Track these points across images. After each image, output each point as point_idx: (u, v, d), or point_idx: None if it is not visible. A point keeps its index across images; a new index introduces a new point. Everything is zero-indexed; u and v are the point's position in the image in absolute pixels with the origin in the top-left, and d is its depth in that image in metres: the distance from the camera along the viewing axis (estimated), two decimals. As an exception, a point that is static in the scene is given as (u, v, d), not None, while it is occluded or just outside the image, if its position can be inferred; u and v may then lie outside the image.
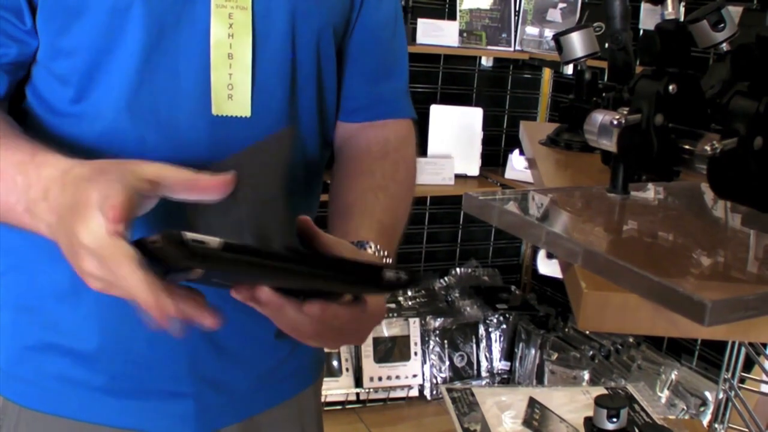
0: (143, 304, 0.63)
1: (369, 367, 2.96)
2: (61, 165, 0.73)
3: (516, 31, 3.28)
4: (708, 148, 0.60)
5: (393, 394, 3.02)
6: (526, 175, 3.00)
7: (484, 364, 3.16)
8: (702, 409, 2.65)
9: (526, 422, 1.31)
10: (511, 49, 3.28)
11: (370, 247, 0.90)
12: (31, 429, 0.95)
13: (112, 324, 0.92)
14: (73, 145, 0.88)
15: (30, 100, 0.91)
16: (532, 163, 1.15)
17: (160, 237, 0.62)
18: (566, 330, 3.18)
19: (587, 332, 3.10)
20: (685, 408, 2.68)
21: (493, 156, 3.45)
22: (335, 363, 2.93)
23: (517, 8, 3.29)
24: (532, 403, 1.37)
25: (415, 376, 3.03)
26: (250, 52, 0.88)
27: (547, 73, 3.50)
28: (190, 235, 0.61)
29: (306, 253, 0.71)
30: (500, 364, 3.18)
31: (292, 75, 0.93)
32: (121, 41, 0.84)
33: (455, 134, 3.20)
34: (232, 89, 0.88)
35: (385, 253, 0.92)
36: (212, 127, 0.88)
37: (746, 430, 1.35)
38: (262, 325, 0.96)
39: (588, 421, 1.20)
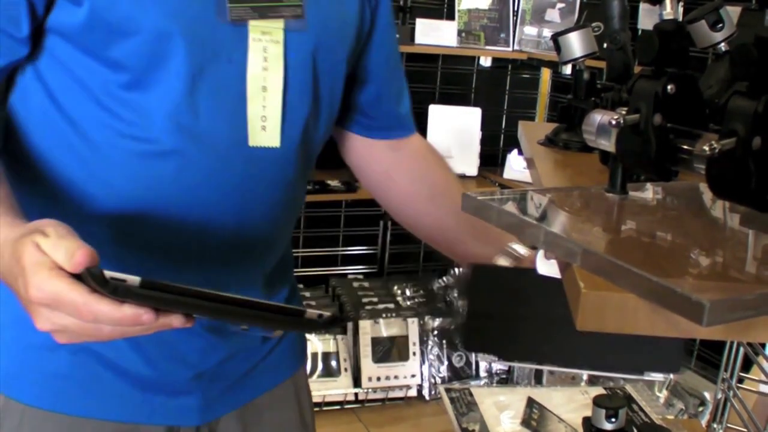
0: (117, 321, 0.67)
1: (367, 367, 2.96)
2: (0, 235, 0.75)
3: (514, 31, 3.28)
4: (706, 148, 0.60)
5: (391, 394, 3.02)
6: (525, 175, 3.00)
7: (482, 364, 3.16)
8: (700, 409, 2.65)
9: (525, 422, 1.31)
10: (510, 49, 3.28)
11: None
12: (34, 426, 0.95)
13: None
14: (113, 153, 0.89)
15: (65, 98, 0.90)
16: (530, 163, 1.15)
17: (86, 273, 0.67)
18: (565, 330, 3.17)
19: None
20: (683, 408, 2.68)
21: (492, 156, 3.45)
22: (334, 363, 2.93)
23: (516, 8, 3.29)
24: (531, 403, 1.37)
25: (413, 376, 3.03)
26: (281, 84, 0.91)
27: (545, 73, 3.50)
28: (109, 273, 0.67)
29: (229, 298, 0.73)
30: (498, 364, 3.18)
31: (312, 105, 0.96)
32: (165, 65, 0.85)
33: (454, 134, 3.20)
34: (265, 121, 0.91)
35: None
36: (247, 157, 0.91)
37: (744, 430, 1.35)
38: None
39: (586, 421, 1.20)
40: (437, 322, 3.11)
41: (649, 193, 0.83)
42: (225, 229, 0.93)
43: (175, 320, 0.69)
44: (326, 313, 0.75)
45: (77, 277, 0.68)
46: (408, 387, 3.03)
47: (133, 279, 0.67)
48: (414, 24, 3.06)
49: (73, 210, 0.90)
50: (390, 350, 3.01)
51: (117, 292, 0.66)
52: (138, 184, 0.89)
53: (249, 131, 0.90)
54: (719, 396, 1.50)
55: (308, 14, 0.91)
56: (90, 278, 0.67)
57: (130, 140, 0.88)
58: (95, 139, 0.88)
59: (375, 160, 1.15)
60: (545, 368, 2.99)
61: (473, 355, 3.15)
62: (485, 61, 3.43)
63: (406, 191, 1.15)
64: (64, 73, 0.88)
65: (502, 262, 1.04)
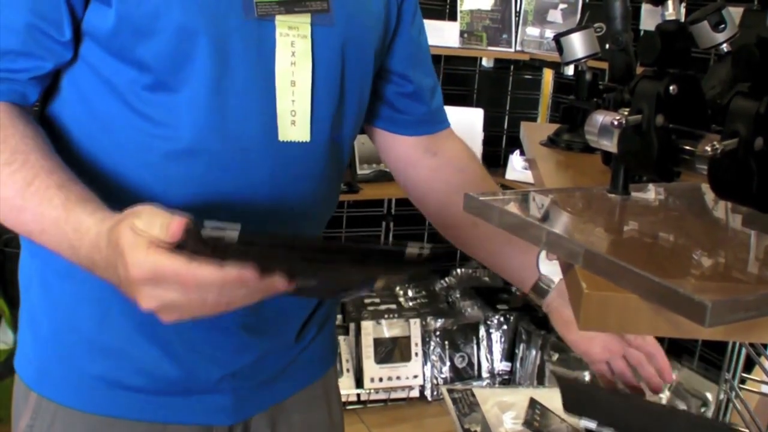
0: (221, 282, 0.66)
1: (370, 368, 2.96)
2: (93, 229, 0.75)
3: (516, 32, 3.28)
4: (708, 148, 0.60)
5: (394, 395, 3.02)
6: (527, 176, 3.00)
7: (484, 364, 3.16)
8: (703, 409, 2.64)
9: (527, 423, 1.31)
10: (512, 49, 3.28)
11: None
12: (67, 426, 0.96)
13: (161, 331, 0.92)
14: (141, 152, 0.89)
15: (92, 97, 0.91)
16: (532, 164, 1.15)
17: (184, 232, 0.67)
18: (567, 331, 3.17)
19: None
20: (686, 408, 2.68)
21: (494, 157, 3.45)
22: (337, 361, 2.93)
23: (518, 9, 3.29)
24: (533, 403, 1.37)
25: (416, 376, 3.03)
26: (310, 79, 0.91)
27: (547, 74, 3.50)
28: (207, 232, 0.66)
29: (326, 244, 0.78)
30: (501, 365, 3.18)
31: (340, 99, 0.96)
32: (189, 64, 0.85)
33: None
34: (294, 115, 0.91)
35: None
36: (277, 152, 0.91)
37: (747, 430, 1.35)
38: (288, 320, 1.03)
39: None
40: (439, 322, 3.11)
41: (651, 193, 0.83)
42: (255, 224, 0.93)
43: (279, 282, 0.68)
44: (426, 248, 0.72)
45: (177, 249, 0.67)
46: (410, 388, 3.03)
47: (232, 233, 0.65)
48: (416, 25, 3.06)
49: None
50: (392, 351, 3.01)
51: (217, 248, 0.65)
52: (168, 184, 0.89)
53: (279, 126, 0.90)
54: (721, 397, 1.50)
55: (334, 9, 0.91)
56: (189, 237, 0.66)
57: (158, 140, 0.88)
58: (125, 141, 0.89)
59: (412, 164, 1.15)
60: (547, 369, 2.99)
61: (475, 355, 3.15)
62: (487, 62, 3.43)
63: (443, 202, 1.15)
64: (95, 76, 0.88)
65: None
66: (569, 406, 1.14)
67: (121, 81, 0.87)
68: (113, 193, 0.90)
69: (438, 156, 1.15)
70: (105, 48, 0.86)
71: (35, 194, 0.78)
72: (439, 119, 1.16)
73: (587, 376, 2.90)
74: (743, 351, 1.45)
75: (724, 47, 0.96)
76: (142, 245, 0.67)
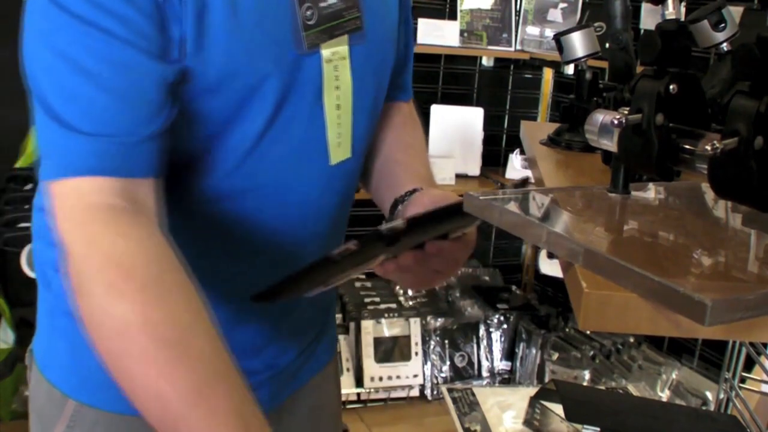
0: None
1: (370, 367, 2.96)
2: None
3: (517, 31, 3.28)
4: (709, 147, 0.60)
5: (394, 394, 3.02)
6: (527, 175, 3.00)
7: (484, 364, 3.16)
8: (703, 408, 2.65)
9: (527, 422, 1.31)
10: (512, 49, 3.28)
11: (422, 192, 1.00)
12: (110, 430, 0.95)
13: None
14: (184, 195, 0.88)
15: None
16: (532, 163, 1.15)
17: (359, 243, 0.79)
18: (567, 330, 3.18)
19: (588, 332, 3.10)
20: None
21: (494, 156, 3.45)
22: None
23: (518, 8, 3.29)
24: (533, 403, 1.37)
25: (416, 376, 3.03)
26: (351, 100, 0.92)
27: (547, 73, 3.50)
28: (383, 227, 0.78)
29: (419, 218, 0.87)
30: (501, 364, 3.18)
31: (373, 110, 0.98)
32: (249, 111, 0.84)
33: (456, 134, 3.20)
34: (340, 137, 0.92)
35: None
36: (328, 176, 0.93)
37: (747, 430, 1.35)
38: (304, 309, 1.05)
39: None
40: (439, 321, 3.11)
41: (651, 193, 0.83)
42: (298, 241, 0.95)
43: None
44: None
45: None
46: (410, 387, 3.03)
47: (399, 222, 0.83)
48: (416, 24, 3.06)
49: None
50: (392, 350, 3.01)
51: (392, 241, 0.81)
52: (217, 220, 0.89)
53: (330, 152, 0.92)
54: (721, 396, 1.50)
55: (365, 24, 0.92)
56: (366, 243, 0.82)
57: (208, 182, 0.87)
58: (183, 184, 0.87)
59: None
60: (547, 368, 2.99)
61: (475, 354, 3.15)
62: (487, 61, 3.43)
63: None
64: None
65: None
66: (571, 415, 1.15)
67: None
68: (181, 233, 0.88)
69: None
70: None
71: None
72: (407, 91, 1.17)
73: (587, 375, 2.90)
74: (743, 350, 1.45)
75: (724, 46, 0.96)
76: None
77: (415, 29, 3.05)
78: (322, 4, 0.86)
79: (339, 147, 0.92)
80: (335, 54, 0.89)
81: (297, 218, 0.93)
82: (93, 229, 0.74)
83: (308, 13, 0.85)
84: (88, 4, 0.73)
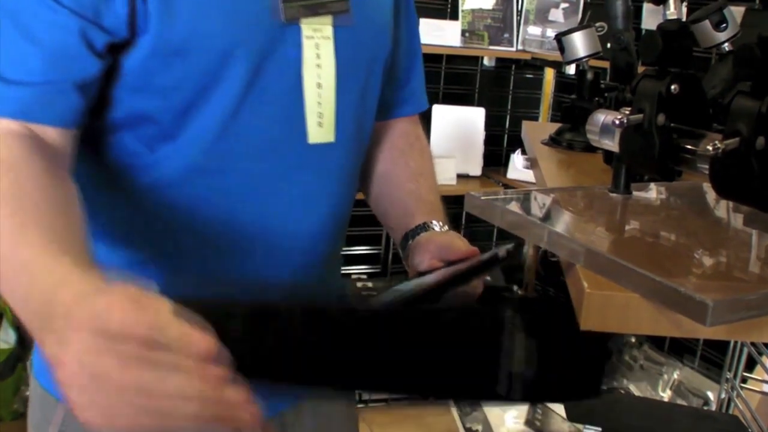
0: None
1: (371, 366, 2.96)
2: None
3: (518, 31, 3.28)
4: (710, 148, 0.60)
5: (395, 394, 3.02)
6: (529, 175, 3.00)
7: (486, 364, 3.16)
8: (704, 408, 2.64)
9: (529, 422, 1.31)
10: (514, 49, 3.27)
11: (436, 225, 0.99)
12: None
13: None
14: (153, 183, 0.88)
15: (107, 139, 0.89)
16: (534, 163, 1.15)
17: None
18: (568, 330, 3.17)
19: (589, 332, 3.09)
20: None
21: (496, 156, 3.45)
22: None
23: (519, 8, 3.29)
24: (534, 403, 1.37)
25: (417, 376, 3.03)
26: (334, 80, 0.91)
27: (549, 73, 3.50)
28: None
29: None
30: (502, 364, 3.18)
31: (363, 97, 0.97)
32: (222, 80, 0.85)
33: (457, 134, 3.20)
34: (321, 117, 0.92)
35: (443, 225, 1.00)
36: (306, 154, 0.91)
37: (748, 429, 1.35)
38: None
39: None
40: (441, 322, 3.11)
41: (652, 193, 0.83)
42: (286, 223, 0.93)
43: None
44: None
45: None
46: (411, 387, 3.03)
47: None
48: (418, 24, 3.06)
49: (126, 228, 0.91)
50: (393, 350, 3.01)
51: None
52: (199, 197, 0.89)
53: (308, 129, 0.91)
54: (723, 396, 1.50)
55: (353, 9, 0.92)
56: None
57: (186, 156, 0.87)
58: (151, 156, 0.88)
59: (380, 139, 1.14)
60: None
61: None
62: (489, 61, 3.43)
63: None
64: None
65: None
66: (572, 415, 1.15)
67: (146, 103, 0.85)
68: (138, 207, 0.89)
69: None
70: (131, 77, 0.84)
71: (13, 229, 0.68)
72: (414, 102, 1.15)
73: (588, 376, 2.90)
74: (745, 350, 1.45)
75: (726, 46, 0.96)
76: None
77: (417, 29, 3.05)
78: None
79: (320, 127, 0.92)
80: (317, 32, 0.89)
81: (279, 202, 0.91)
82: None
83: None
84: None
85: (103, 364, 0.53)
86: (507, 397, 0.53)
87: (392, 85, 1.09)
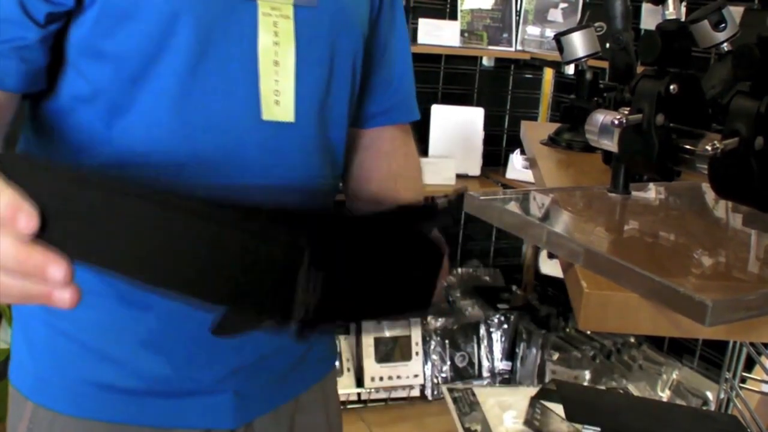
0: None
1: (370, 367, 2.96)
2: None
3: (517, 31, 3.28)
4: (709, 148, 0.60)
5: (394, 394, 3.02)
6: (527, 175, 3.00)
7: (485, 364, 3.16)
8: (704, 409, 2.65)
9: (528, 422, 1.31)
10: (513, 49, 3.27)
11: None
12: None
13: (153, 330, 0.92)
14: (111, 155, 0.88)
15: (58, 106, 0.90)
16: (533, 163, 1.15)
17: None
18: (567, 330, 3.17)
19: (588, 332, 3.10)
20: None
21: (494, 156, 3.45)
22: (336, 363, 2.93)
23: (518, 8, 3.29)
24: (533, 403, 1.37)
25: (416, 376, 3.03)
26: (293, 59, 0.91)
27: (548, 73, 3.50)
28: None
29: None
30: (501, 364, 3.18)
31: (328, 82, 0.95)
32: (169, 48, 0.85)
33: (456, 134, 3.20)
34: (278, 95, 0.91)
35: None
36: (261, 131, 0.90)
37: (748, 429, 1.35)
38: None
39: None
40: (440, 322, 3.11)
41: (651, 193, 0.84)
42: (244, 199, 0.92)
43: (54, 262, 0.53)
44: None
45: None
46: (411, 387, 3.03)
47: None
48: (417, 24, 3.06)
49: None
50: (393, 350, 3.01)
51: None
52: (156, 174, 0.88)
53: (262, 105, 0.90)
54: (722, 396, 1.50)
55: None
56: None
57: (138, 130, 0.87)
58: (108, 132, 0.88)
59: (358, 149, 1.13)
60: (547, 368, 2.99)
61: (476, 354, 3.15)
62: (488, 61, 3.43)
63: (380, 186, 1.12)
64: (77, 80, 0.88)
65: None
66: (571, 415, 1.15)
67: (94, 70, 0.86)
68: None
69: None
70: (81, 46, 0.85)
71: None
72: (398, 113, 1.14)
73: (587, 375, 2.90)
74: (744, 350, 1.45)
75: (725, 46, 0.96)
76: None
77: (416, 29, 3.05)
78: None
79: (277, 105, 0.91)
80: (275, 10, 0.89)
81: (235, 177, 0.90)
82: None
83: None
84: None
85: None
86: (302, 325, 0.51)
87: (380, 91, 1.09)
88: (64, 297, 0.54)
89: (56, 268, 0.52)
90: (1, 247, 0.52)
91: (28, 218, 0.52)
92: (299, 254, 0.49)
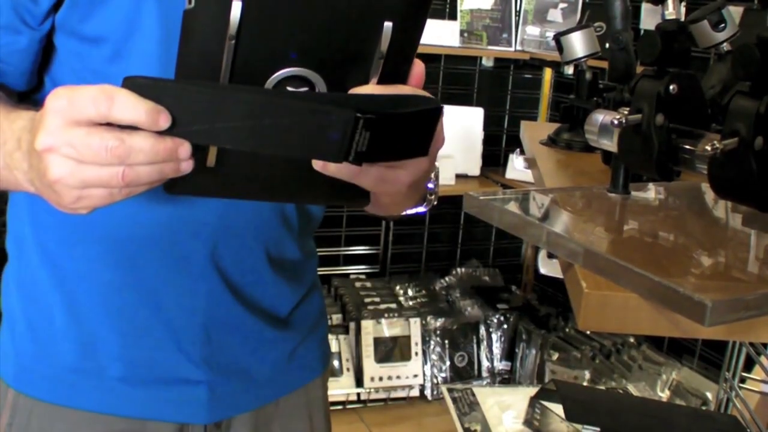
0: (148, 154, 0.64)
1: (370, 367, 2.96)
2: (32, 114, 0.73)
3: (517, 31, 3.28)
4: (708, 148, 0.60)
5: (394, 394, 3.02)
6: (527, 175, 3.00)
7: (484, 364, 3.16)
8: (703, 409, 2.65)
9: (527, 422, 1.31)
10: (512, 49, 3.28)
11: None
12: (43, 422, 0.95)
13: (127, 311, 0.92)
14: None
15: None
16: (532, 163, 1.15)
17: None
18: (567, 330, 3.18)
19: (588, 332, 3.10)
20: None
21: (494, 156, 3.45)
22: (336, 363, 2.93)
23: (518, 8, 3.29)
24: (533, 403, 1.37)
25: (416, 376, 3.03)
26: None
27: (547, 73, 3.50)
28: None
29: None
30: (501, 364, 3.18)
31: None
32: (139, 29, 0.85)
33: (456, 134, 3.20)
34: None
35: None
36: None
37: (747, 430, 1.35)
38: (276, 309, 1.00)
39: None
40: (439, 322, 3.11)
41: (651, 193, 0.84)
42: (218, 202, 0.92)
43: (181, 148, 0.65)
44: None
45: None
46: (410, 387, 3.03)
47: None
48: (416, 24, 3.06)
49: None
50: (392, 350, 3.01)
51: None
52: None
53: None
54: (721, 396, 1.50)
55: None
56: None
57: None
58: None
59: None
60: (547, 368, 2.99)
61: (475, 355, 3.15)
62: (487, 61, 3.43)
63: None
64: (65, 65, 0.89)
65: None
66: (571, 415, 1.14)
67: (83, 62, 0.87)
68: None
69: None
70: (66, 30, 0.86)
71: None
72: None
73: (587, 375, 2.90)
74: (743, 350, 1.45)
75: (724, 46, 0.96)
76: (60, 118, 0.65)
77: (415, 29, 3.05)
78: None
79: None
80: None
81: None
82: None
83: None
84: None
85: (74, 134, 0.64)
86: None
87: None
88: (190, 167, 0.67)
89: (183, 148, 0.65)
90: (146, 144, 0.64)
91: (165, 117, 0.63)
92: (357, 119, 0.64)
